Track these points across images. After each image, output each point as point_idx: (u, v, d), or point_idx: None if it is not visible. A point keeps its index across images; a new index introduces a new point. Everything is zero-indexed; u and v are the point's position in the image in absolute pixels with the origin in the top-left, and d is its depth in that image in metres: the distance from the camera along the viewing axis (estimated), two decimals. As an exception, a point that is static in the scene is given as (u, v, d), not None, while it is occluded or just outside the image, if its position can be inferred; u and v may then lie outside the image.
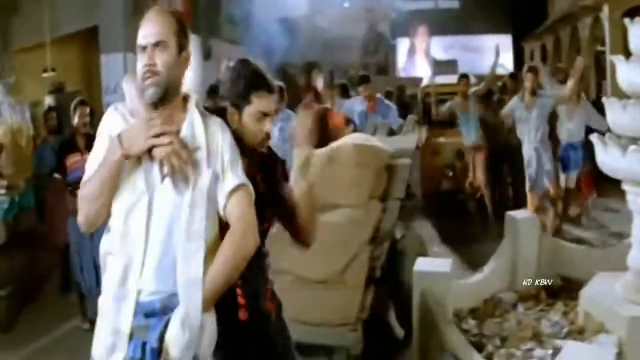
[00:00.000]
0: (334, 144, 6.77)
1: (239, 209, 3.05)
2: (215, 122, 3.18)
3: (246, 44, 19.03)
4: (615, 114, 4.82)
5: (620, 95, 5.06)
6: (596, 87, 14.92)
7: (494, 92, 11.98)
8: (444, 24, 26.48)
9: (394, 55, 27.89)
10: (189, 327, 2.90)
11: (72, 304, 8.00)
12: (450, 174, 11.85)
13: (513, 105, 9.65)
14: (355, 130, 8.20)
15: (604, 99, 5.07)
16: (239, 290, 3.32)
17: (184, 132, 3.05)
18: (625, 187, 4.93)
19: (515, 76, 12.01)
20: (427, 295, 4.85)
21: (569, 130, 9.97)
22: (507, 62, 25.11)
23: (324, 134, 6.19)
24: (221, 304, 3.08)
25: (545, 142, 9.51)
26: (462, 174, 11.77)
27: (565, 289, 5.94)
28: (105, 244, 3.15)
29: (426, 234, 9.01)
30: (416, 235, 6.83)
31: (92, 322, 7.09)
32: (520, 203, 10.06)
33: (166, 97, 3.07)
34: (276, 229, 3.82)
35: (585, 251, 6.85)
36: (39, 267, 9.28)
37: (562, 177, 10.22)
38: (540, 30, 24.44)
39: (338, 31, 24.38)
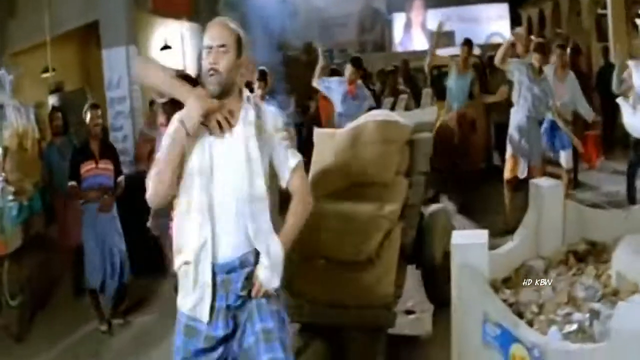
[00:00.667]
0: (353, 123, 6.83)
1: (300, 181, 3.97)
2: (269, 109, 4.02)
3: (245, 28, 19.03)
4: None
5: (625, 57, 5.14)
6: (602, 51, 14.88)
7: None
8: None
9: (390, 30, 27.85)
10: (275, 269, 3.76)
11: (85, 308, 8.09)
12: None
13: (517, 67, 9.17)
14: None
15: (630, 62, 5.15)
16: None
17: (240, 118, 3.80)
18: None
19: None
20: (465, 268, 4.94)
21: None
22: (504, 30, 25.08)
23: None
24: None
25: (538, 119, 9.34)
26: (473, 145, 11.85)
27: (592, 253, 6.01)
28: (180, 219, 3.82)
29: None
30: (443, 209, 6.90)
31: (110, 324, 7.28)
32: None
33: (224, 92, 3.78)
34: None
35: (609, 214, 6.98)
36: (49, 272, 9.30)
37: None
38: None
39: (334, 10, 24.35)
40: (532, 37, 10.49)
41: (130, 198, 8.13)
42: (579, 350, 4.08)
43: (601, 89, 12.53)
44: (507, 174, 9.20)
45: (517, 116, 9.17)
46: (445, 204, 7.09)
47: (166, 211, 4.64)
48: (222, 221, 3.71)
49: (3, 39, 11.92)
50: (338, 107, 9.92)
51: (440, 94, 11.71)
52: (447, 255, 6.65)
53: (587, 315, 4.76)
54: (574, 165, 10.95)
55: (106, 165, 7.76)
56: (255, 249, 3.75)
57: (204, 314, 3.72)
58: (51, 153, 8.86)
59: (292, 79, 15.69)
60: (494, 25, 25.85)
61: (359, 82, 10.51)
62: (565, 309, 4.95)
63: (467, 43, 11.94)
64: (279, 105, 8.86)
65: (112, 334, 7.63)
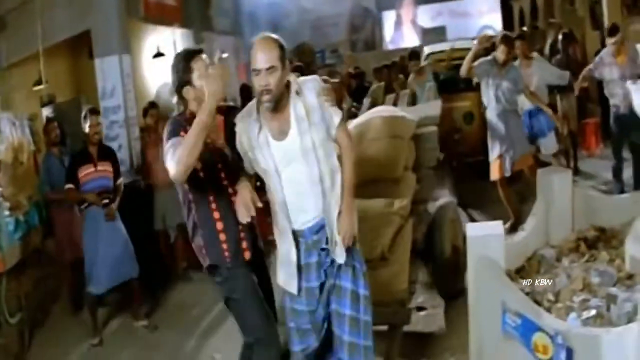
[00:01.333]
0: (359, 120, 6.83)
1: (345, 133, 4.55)
2: (307, 83, 4.41)
3: (237, 34, 19.04)
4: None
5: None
6: (600, 38, 14.86)
7: None
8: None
9: (380, 28, 27.85)
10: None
11: (85, 323, 8.01)
12: (457, 137, 11.83)
13: (482, 69, 8.99)
14: None
15: (638, 45, 5.16)
16: (242, 235, 4.73)
17: (292, 118, 4.33)
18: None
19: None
20: (482, 259, 4.93)
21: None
22: (495, 23, 25.10)
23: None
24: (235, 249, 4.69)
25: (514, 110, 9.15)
26: (469, 137, 11.84)
27: (601, 239, 6.03)
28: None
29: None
30: (451, 203, 6.88)
31: (101, 339, 7.16)
32: None
33: (278, 102, 4.27)
34: None
35: (617, 200, 7.02)
36: (47, 288, 9.08)
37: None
38: (530, -14, 24.38)
39: (325, 10, 24.28)
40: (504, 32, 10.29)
41: (128, 207, 8.16)
42: (606, 333, 4.06)
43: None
44: (494, 176, 9.02)
45: (493, 115, 9.01)
46: (451, 198, 7.02)
47: None
48: (299, 203, 4.42)
49: (-5, 56, 11.85)
50: None
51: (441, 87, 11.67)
52: (455, 249, 6.70)
53: (604, 300, 4.78)
54: (573, 153, 10.97)
55: (105, 168, 7.67)
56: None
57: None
58: (50, 163, 8.62)
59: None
60: (486, 18, 25.86)
61: None
62: (581, 295, 4.97)
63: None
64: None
65: (102, 346, 7.57)
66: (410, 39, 26.14)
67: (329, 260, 4.44)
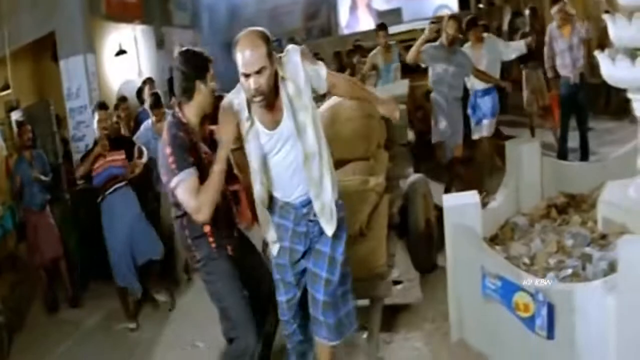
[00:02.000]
0: (330, 103, 6.90)
1: (334, 78, 4.52)
2: (291, 53, 4.28)
3: (196, 27, 19.03)
4: (621, 28, 5.10)
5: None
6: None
7: None
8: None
9: (335, 14, 27.85)
10: (328, 206, 4.49)
11: (62, 324, 8.01)
12: (420, 115, 11.89)
13: (429, 54, 8.82)
14: None
15: (605, 16, 5.32)
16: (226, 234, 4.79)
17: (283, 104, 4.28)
18: (630, 95, 5.27)
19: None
20: (460, 227, 5.09)
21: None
22: (451, 2, 25.15)
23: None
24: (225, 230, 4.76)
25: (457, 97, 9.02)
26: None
27: (571, 205, 6.25)
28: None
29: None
30: (422, 179, 7.00)
31: (138, 323, 7.21)
32: None
33: (269, 95, 4.18)
34: None
35: (584, 167, 7.23)
36: (22, 291, 9.10)
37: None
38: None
39: (278, -1, 24.38)
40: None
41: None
42: (586, 287, 4.24)
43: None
44: (437, 156, 9.07)
45: (437, 100, 8.91)
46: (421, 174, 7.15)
47: None
48: (290, 181, 4.48)
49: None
50: None
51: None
52: (428, 222, 6.86)
53: (579, 260, 4.99)
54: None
55: (114, 157, 7.51)
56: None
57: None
58: (22, 167, 8.52)
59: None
60: (441, -2, 25.94)
61: None
62: (556, 257, 5.18)
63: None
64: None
65: (141, 332, 7.51)
66: (365, 23, 26.15)
67: (316, 230, 4.57)
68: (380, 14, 25.74)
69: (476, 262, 4.88)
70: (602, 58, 5.29)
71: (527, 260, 5.26)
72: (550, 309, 4.20)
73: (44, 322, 8.31)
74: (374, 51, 11.38)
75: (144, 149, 7.78)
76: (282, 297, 4.79)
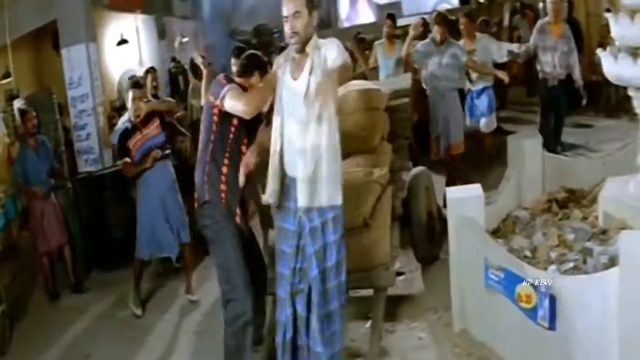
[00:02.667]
0: None
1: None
2: (326, 46, 4.70)
3: (196, 17, 19.03)
4: (623, 27, 5.17)
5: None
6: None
7: None
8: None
9: (335, 6, 27.86)
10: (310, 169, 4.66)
11: (65, 312, 8.01)
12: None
13: (421, 53, 8.92)
14: None
15: (608, 15, 5.38)
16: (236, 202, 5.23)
17: (309, 59, 4.67)
18: (631, 93, 5.34)
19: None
20: (463, 219, 5.16)
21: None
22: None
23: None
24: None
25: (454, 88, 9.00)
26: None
27: (571, 200, 6.32)
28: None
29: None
30: (424, 171, 7.06)
31: (144, 309, 7.19)
32: None
33: (304, 45, 4.65)
34: None
35: (584, 163, 7.29)
36: (24, 279, 9.05)
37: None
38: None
39: (279, -10, 24.26)
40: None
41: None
42: (588, 279, 4.32)
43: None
44: (433, 156, 9.03)
45: (433, 96, 8.94)
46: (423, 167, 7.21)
47: None
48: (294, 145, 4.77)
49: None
50: None
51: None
52: (430, 214, 6.92)
53: (580, 254, 5.08)
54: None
55: (149, 130, 7.56)
56: None
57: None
58: (26, 155, 8.51)
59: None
60: (441, -9, 25.94)
61: None
62: (557, 250, 5.26)
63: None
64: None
65: (145, 319, 7.51)
66: (365, 16, 26.21)
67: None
68: (380, 8, 25.74)
69: (479, 254, 4.96)
70: (604, 56, 5.37)
71: (528, 254, 5.34)
72: (552, 301, 4.28)
73: (46, 310, 8.27)
74: (377, 42, 11.32)
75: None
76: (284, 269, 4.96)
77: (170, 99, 7.97)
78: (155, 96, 9.50)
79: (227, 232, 5.21)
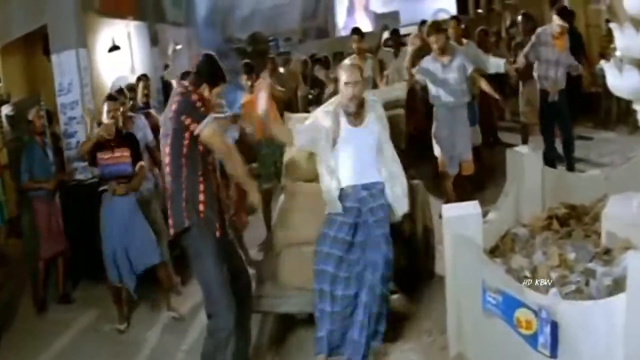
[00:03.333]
0: (326, 106, 6.76)
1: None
2: (375, 107, 6.24)
3: (189, 25, 18.90)
4: (628, 38, 4.96)
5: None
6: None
7: None
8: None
9: (333, 15, 27.89)
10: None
11: (52, 324, 7.88)
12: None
13: (425, 69, 8.68)
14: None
15: (612, 25, 5.19)
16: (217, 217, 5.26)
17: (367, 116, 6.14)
18: (636, 106, 5.14)
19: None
20: (461, 239, 4.94)
21: None
22: (449, 6, 25.09)
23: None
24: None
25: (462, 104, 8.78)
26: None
27: (572, 216, 6.06)
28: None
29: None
30: (420, 185, 6.84)
31: (129, 323, 7.09)
32: None
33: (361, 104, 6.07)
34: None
35: (585, 177, 7.06)
36: (11, 288, 8.97)
37: None
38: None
39: (275, -1, 24.33)
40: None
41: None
42: (593, 305, 4.10)
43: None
44: (441, 167, 8.78)
45: (439, 113, 8.68)
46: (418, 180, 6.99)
47: None
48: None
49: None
50: None
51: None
52: (426, 230, 6.70)
53: (582, 275, 4.83)
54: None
55: (122, 153, 7.42)
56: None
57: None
58: (34, 151, 8.40)
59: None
60: (439, 1, 25.83)
61: None
62: (558, 271, 5.01)
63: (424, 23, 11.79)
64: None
65: (129, 334, 7.41)
66: (363, 25, 26.10)
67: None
68: (377, 17, 25.76)
69: (477, 275, 4.74)
70: (608, 68, 5.16)
71: (528, 274, 5.09)
72: (554, 327, 4.06)
73: (33, 320, 8.16)
74: (347, 59, 11.11)
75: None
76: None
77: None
78: (146, 104, 9.50)
79: (207, 249, 5.16)
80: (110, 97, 7.87)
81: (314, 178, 6.28)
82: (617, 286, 4.36)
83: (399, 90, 7.71)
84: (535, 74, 9.56)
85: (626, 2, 4.95)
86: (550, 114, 9.45)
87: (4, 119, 10.91)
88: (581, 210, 6.16)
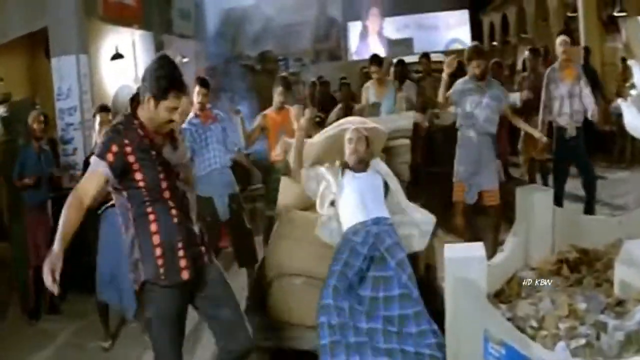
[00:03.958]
0: (330, 130, 6.56)
1: None
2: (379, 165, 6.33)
3: (198, 37, 18.73)
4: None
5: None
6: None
7: None
8: (396, 3, 26.22)
9: (346, 39, 27.84)
10: None
11: (41, 333, 7.78)
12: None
13: (460, 92, 8.19)
14: None
15: (632, 62, 4.90)
16: (182, 253, 4.42)
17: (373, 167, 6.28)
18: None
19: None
20: (462, 282, 4.58)
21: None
22: (464, 37, 25.04)
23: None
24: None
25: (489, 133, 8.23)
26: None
27: (584, 261, 5.72)
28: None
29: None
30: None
31: (113, 341, 6.78)
32: None
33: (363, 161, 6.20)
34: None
35: (600, 220, 6.76)
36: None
37: None
38: (501, 1, 24.12)
39: (288, 18, 24.12)
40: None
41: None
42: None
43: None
44: (456, 197, 8.26)
45: (466, 136, 8.20)
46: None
47: None
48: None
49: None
50: None
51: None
52: (429, 268, 6.34)
53: (593, 328, 4.51)
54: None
55: None
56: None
57: None
58: (28, 155, 8.23)
59: (251, 89, 15.33)
60: (454, 32, 25.78)
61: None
62: (567, 322, 4.67)
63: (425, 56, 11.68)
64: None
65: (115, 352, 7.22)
66: (376, 51, 26.04)
67: None
68: (391, 43, 25.67)
69: (479, 324, 4.36)
70: (625, 107, 4.86)
71: (534, 324, 4.74)
72: (562, 388, 3.70)
73: (23, 328, 8.07)
74: (367, 84, 10.82)
75: None
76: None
77: None
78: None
79: (157, 306, 4.47)
80: (103, 109, 7.62)
81: (310, 206, 6.15)
82: (630, 342, 4.14)
83: (405, 120, 7.40)
84: (549, 111, 9.20)
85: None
86: (567, 152, 9.05)
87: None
88: (593, 255, 5.83)
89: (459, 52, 9.41)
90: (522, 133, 10.67)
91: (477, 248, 4.78)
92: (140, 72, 14.49)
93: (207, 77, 8.74)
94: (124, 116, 4.49)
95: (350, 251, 5.57)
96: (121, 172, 4.28)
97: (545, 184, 10.34)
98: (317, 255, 5.80)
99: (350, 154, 6.14)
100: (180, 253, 4.41)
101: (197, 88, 8.06)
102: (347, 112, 10.59)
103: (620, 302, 4.81)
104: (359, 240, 5.64)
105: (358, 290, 5.48)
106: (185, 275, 4.41)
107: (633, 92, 5.03)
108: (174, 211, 4.43)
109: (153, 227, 4.38)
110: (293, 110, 8.14)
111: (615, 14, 15.92)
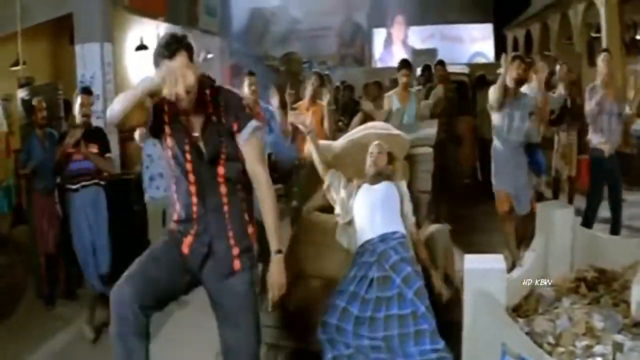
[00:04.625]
0: (352, 135, 6.53)
1: None
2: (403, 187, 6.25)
3: (223, 34, 18.74)
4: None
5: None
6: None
7: None
8: (421, 13, 26.21)
9: (370, 45, 27.83)
10: None
11: (56, 318, 7.73)
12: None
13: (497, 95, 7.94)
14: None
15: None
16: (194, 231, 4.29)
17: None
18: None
19: None
20: (482, 295, 4.53)
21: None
22: (487, 51, 24.98)
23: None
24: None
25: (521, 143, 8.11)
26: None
27: (601, 281, 5.68)
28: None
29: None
30: (443, 230, 6.41)
31: (98, 332, 6.72)
32: None
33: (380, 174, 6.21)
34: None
35: (618, 241, 6.69)
36: (15, 276, 8.85)
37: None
38: (525, 17, 24.11)
39: (314, 22, 24.19)
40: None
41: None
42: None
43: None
44: (500, 207, 8.14)
45: (498, 146, 8.15)
46: (443, 224, 6.57)
47: None
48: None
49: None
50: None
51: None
52: (447, 279, 6.27)
53: (609, 347, 4.48)
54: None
55: (90, 149, 7.25)
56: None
57: None
58: (33, 144, 8.20)
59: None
60: (478, 45, 25.77)
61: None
62: (584, 340, 4.66)
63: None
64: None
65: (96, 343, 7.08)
66: (399, 59, 26.02)
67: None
68: (415, 52, 25.64)
69: (497, 337, 4.31)
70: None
71: (552, 340, 4.72)
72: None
73: (36, 312, 8.02)
74: (389, 92, 10.71)
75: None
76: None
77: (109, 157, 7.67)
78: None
79: (156, 252, 4.47)
80: (84, 91, 7.62)
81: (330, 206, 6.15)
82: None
83: (428, 128, 7.35)
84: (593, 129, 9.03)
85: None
86: (604, 172, 8.95)
87: (19, 103, 10.69)
88: (611, 275, 5.78)
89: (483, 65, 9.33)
90: (556, 156, 10.64)
91: (497, 260, 4.73)
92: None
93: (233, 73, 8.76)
94: None
95: (356, 280, 5.49)
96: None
97: (570, 202, 10.29)
98: (338, 260, 5.85)
99: (370, 166, 6.15)
100: (193, 231, 4.29)
101: (246, 80, 8.22)
102: (368, 118, 10.49)
103: (636, 324, 4.78)
104: (365, 261, 5.59)
105: (358, 313, 5.32)
106: (185, 249, 4.29)
107: None
108: (192, 188, 4.25)
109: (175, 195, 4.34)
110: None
111: (638, 37, 15.90)
